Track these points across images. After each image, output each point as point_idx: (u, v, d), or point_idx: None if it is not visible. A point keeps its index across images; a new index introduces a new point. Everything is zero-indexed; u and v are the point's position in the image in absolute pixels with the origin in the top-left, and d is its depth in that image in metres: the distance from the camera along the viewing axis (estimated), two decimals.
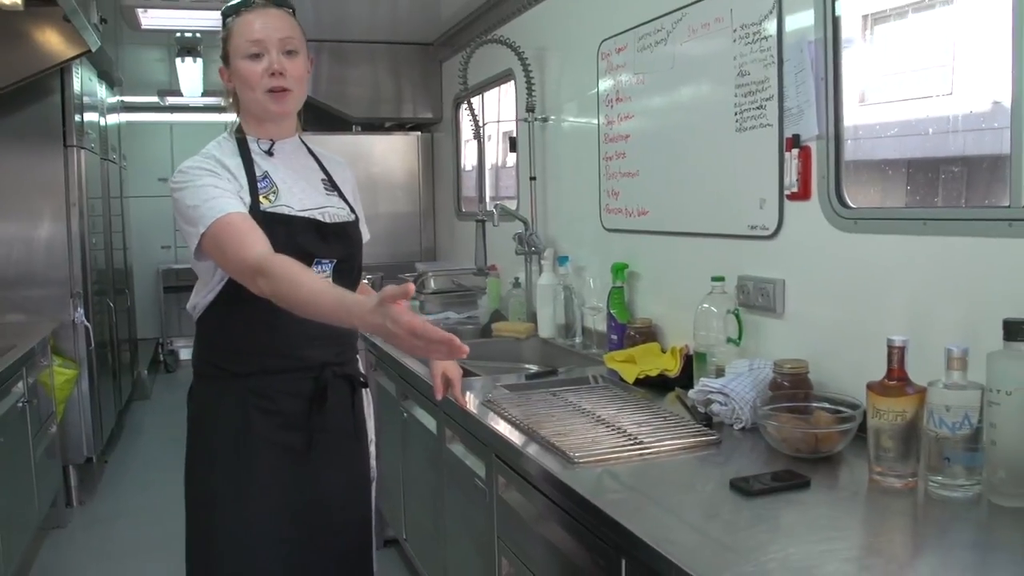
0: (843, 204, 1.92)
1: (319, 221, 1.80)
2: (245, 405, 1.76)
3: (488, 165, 4.62)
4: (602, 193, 2.93)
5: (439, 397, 2.06)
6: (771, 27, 2.07)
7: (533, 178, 3.43)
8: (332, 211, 1.86)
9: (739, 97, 2.19)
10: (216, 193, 1.67)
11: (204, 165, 1.73)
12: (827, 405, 1.78)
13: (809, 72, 1.94)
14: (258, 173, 1.78)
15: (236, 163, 1.77)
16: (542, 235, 3.38)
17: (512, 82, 3.78)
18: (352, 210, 1.92)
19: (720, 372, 2.11)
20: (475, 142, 3.90)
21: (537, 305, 3.20)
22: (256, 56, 1.74)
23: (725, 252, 2.29)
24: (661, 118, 2.56)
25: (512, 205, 3.71)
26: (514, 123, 3.75)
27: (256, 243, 1.61)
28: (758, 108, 2.12)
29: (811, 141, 1.97)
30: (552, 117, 3.35)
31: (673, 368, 2.36)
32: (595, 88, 2.94)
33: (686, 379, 2.28)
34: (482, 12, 3.93)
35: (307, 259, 1.74)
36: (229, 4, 1.80)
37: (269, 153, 1.83)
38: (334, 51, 4.56)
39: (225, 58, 1.80)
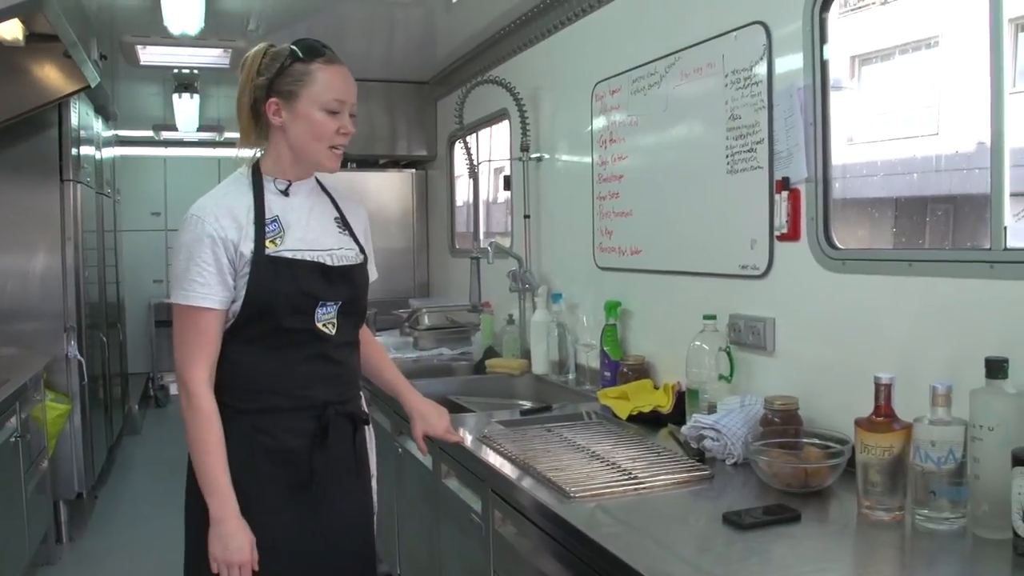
0: (831, 245, 1.98)
1: (324, 265, 1.82)
2: (248, 441, 1.78)
3: (473, 201, 4.69)
4: (596, 232, 2.99)
5: (425, 454, 2.19)
6: (761, 72, 2.14)
7: (527, 216, 3.49)
8: (341, 253, 1.87)
9: (730, 140, 2.25)
10: (205, 279, 1.72)
11: (211, 230, 1.73)
12: (817, 441, 1.82)
13: (799, 117, 2.01)
14: (268, 215, 1.80)
15: (248, 205, 1.79)
16: (536, 272, 3.43)
17: (505, 121, 3.86)
18: (361, 250, 1.94)
19: (712, 408, 2.15)
20: (466, 178, 3.96)
21: (531, 342, 3.24)
22: (335, 113, 1.77)
23: (716, 291, 2.35)
24: (654, 159, 2.63)
25: (502, 240, 3.77)
26: (505, 160, 3.82)
27: (204, 363, 1.73)
28: (749, 151, 2.19)
29: (800, 184, 2.03)
30: (546, 156, 3.42)
31: (666, 404, 2.40)
32: (589, 128, 3.00)
33: (678, 415, 2.32)
34: (478, 53, 4.02)
35: (311, 301, 1.79)
36: (307, 43, 1.78)
37: (285, 193, 1.85)
38: None
39: (288, 96, 1.76)
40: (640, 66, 2.66)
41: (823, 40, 1.98)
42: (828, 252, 1.97)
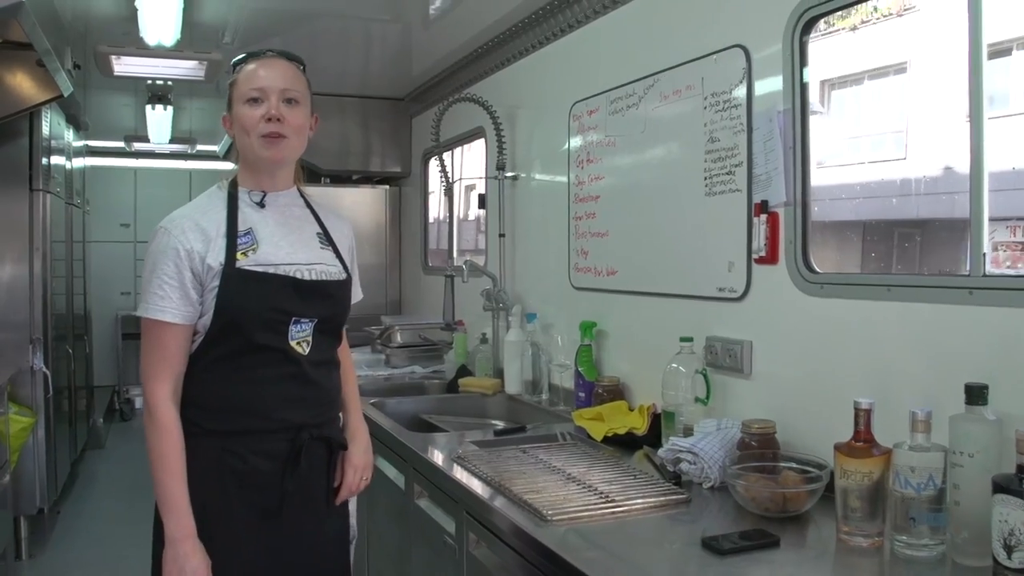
0: (809, 269, 1.98)
1: (296, 279, 1.77)
2: (215, 462, 1.73)
3: (447, 218, 4.67)
4: (571, 252, 2.98)
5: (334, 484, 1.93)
6: (741, 95, 2.14)
7: (502, 235, 3.47)
8: (320, 268, 1.82)
9: (709, 162, 2.25)
10: (166, 292, 1.69)
11: (176, 243, 1.70)
12: (794, 465, 1.81)
13: (778, 141, 2.01)
14: (241, 228, 1.76)
15: (220, 216, 1.76)
16: (510, 291, 3.41)
17: (479, 139, 3.85)
18: (345, 268, 1.89)
19: (688, 431, 2.14)
20: (439, 195, 3.94)
21: (504, 361, 3.21)
22: (255, 101, 1.75)
23: (693, 313, 2.34)
24: (631, 180, 2.63)
25: (473, 258, 3.75)
26: (479, 178, 3.81)
27: (167, 377, 1.69)
28: (727, 173, 2.19)
29: (779, 207, 2.04)
30: (522, 175, 3.41)
31: (641, 426, 2.38)
32: (566, 148, 3.00)
33: (654, 437, 2.30)
34: (455, 70, 4.02)
35: (283, 317, 1.74)
36: (247, 52, 1.82)
37: (260, 205, 1.81)
38: None
39: (229, 105, 1.81)
40: (619, 87, 2.66)
41: (803, 64, 1.98)
42: (806, 276, 1.97)
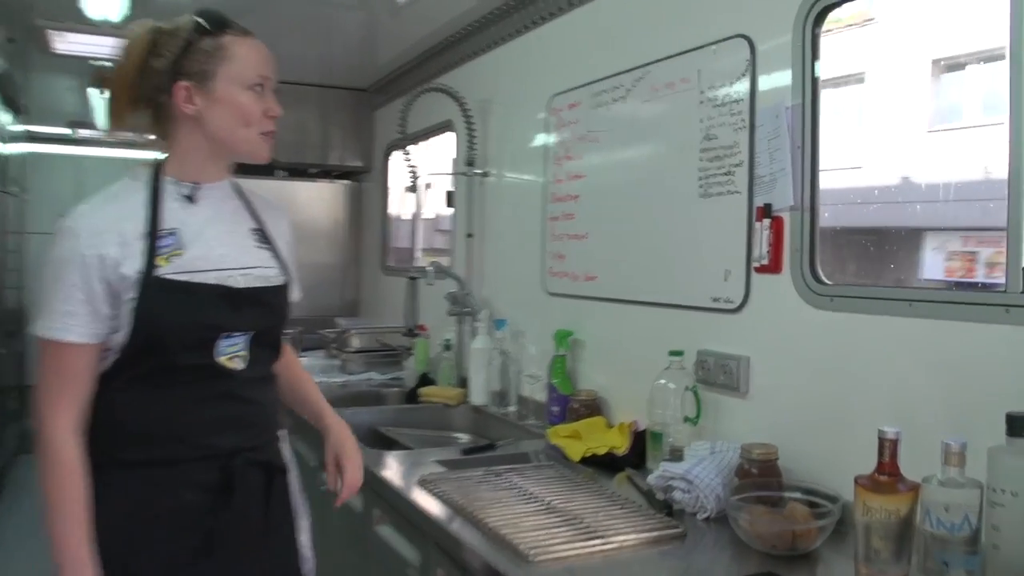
0: (817, 279, 1.80)
1: (229, 288, 1.51)
2: (132, 500, 1.47)
3: (409, 216, 4.46)
4: (546, 255, 2.78)
5: (332, 487, 1.77)
6: (742, 89, 1.97)
7: (470, 235, 3.26)
8: (257, 272, 1.57)
9: (705, 162, 2.07)
10: (72, 307, 1.42)
11: (84, 247, 1.42)
12: (800, 495, 1.64)
13: (786, 139, 1.84)
14: (164, 227, 1.48)
15: (139, 213, 1.48)
16: (477, 295, 3.20)
17: (445, 134, 3.64)
18: (284, 269, 1.65)
19: (677, 453, 1.96)
20: (402, 192, 3.72)
21: (470, 370, 3.00)
22: (259, 90, 1.53)
23: (682, 324, 2.16)
24: (615, 179, 2.43)
25: (435, 258, 3.53)
26: (441, 175, 3.60)
27: (69, 407, 1.43)
28: (726, 174, 2.01)
29: (784, 212, 1.86)
30: (493, 172, 3.20)
31: (621, 446, 2.19)
32: (542, 144, 2.80)
33: (636, 458, 2.12)
34: (423, 60, 3.78)
35: (212, 332, 1.50)
36: (211, 13, 1.52)
37: (190, 199, 1.54)
38: None
39: (201, 76, 1.49)
40: (603, 79, 2.47)
41: (815, 56, 1.81)
42: (814, 287, 1.80)
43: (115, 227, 1.45)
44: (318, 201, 4.65)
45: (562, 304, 2.69)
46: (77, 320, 1.42)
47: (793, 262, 1.84)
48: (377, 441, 2.74)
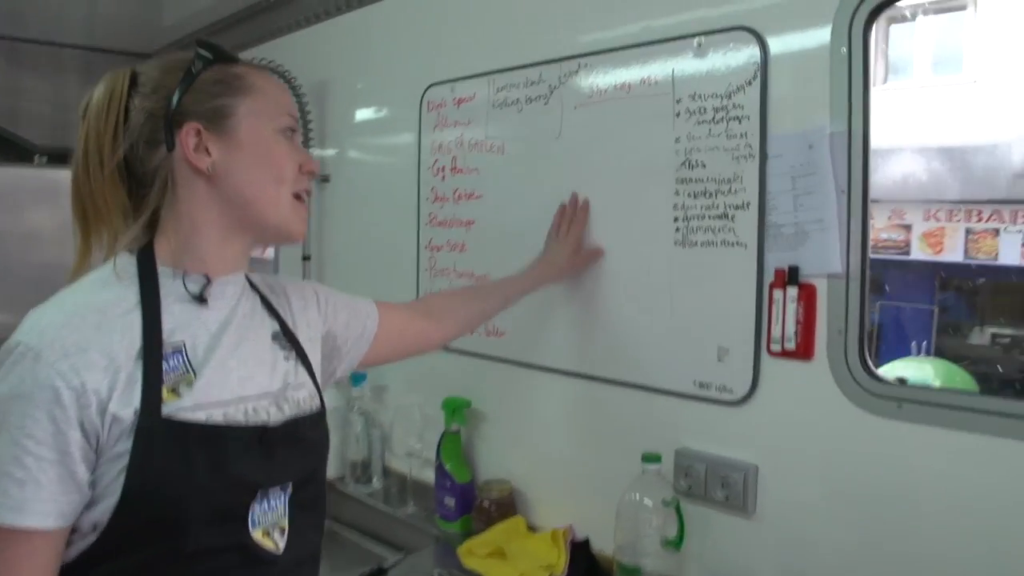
0: (871, 375, 1.31)
1: (265, 427, 1.04)
2: None
3: None
4: (422, 293, 2.15)
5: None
6: (746, 103, 1.43)
7: (307, 257, 2.54)
8: (289, 397, 1.10)
9: (685, 197, 1.53)
10: (29, 472, 0.90)
11: (55, 377, 0.91)
12: None
13: (828, 178, 1.32)
14: (168, 343, 0.99)
15: (131, 327, 0.97)
16: None
17: None
18: (317, 387, 1.17)
19: None
20: None
21: None
22: (289, 134, 1.11)
23: (642, 410, 1.63)
24: (531, 205, 1.83)
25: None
26: None
27: None
28: (719, 217, 1.48)
29: (819, 279, 1.36)
30: (338, 177, 2.50)
31: (558, 567, 1.65)
32: (414, 146, 2.15)
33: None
34: (234, 22, 2.94)
35: (247, 493, 1.00)
36: (219, 46, 1.08)
37: (200, 299, 1.05)
38: (4, 52, 3.34)
39: (217, 115, 1.05)
40: (514, 69, 1.86)
41: (866, 66, 1.30)
42: (867, 385, 1.31)
43: (98, 343, 0.94)
44: None
45: (453, 363, 2.07)
46: (39, 492, 0.90)
47: (833, 348, 1.34)
48: None
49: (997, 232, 6.00)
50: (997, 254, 5.99)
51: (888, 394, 1.29)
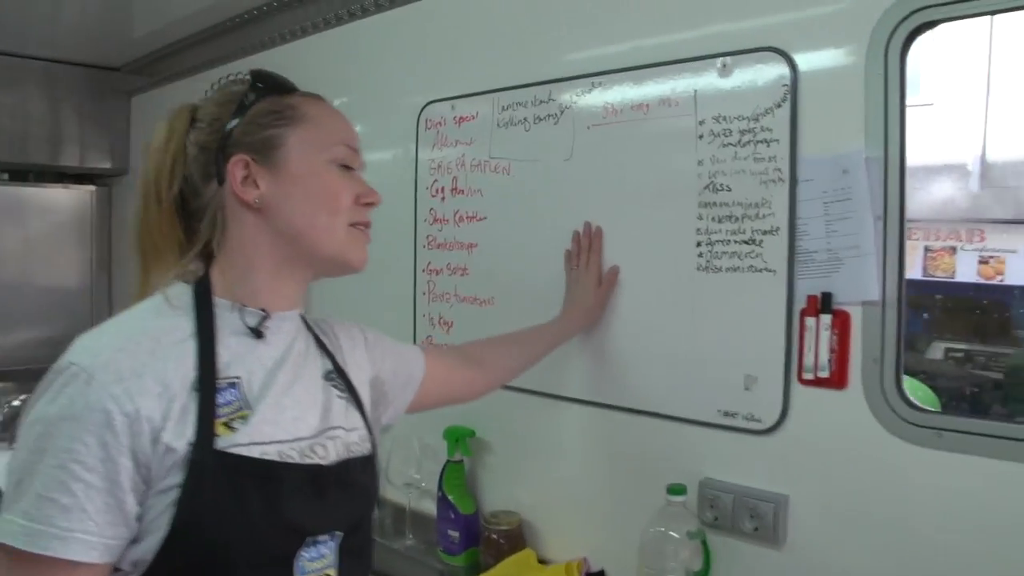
0: (909, 404, 1.29)
1: (320, 467, 1.00)
2: None
3: None
4: (420, 319, 2.09)
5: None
6: (774, 125, 1.40)
7: None
8: (340, 436, 1.06)
9: (708, 221, 1.49)
10: (77, 500, 0.85)
11: (109, 401, 0.87)
12: None
13: (865, 204, 1.30)
14: (223, 376, 0.96)
15: (185, 357, 0.94)
16: None
17: None
18: (369, 429, 1.13)
19: None
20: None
21: None
22: (348, 169, 1.10)
23: (666, 440, 1.58)
24: (540, 227, 1.79)
25: None
26: None
27: None
28: (746, 242, 1.44)
29: (854, 306, 1.33)
30: None
31: None
32: (412, 167, 2.09)
33: None
34: (213, 34, 2.85)
35: (297, 537, 0.96)
36: (274, 75, 1.09)
37: (256, 333, 1.02)
38: None
39: (267, 146, 1.03)
40: (521, 87, 1.82)
41: (903, 89, 1.28)
42: (904, 413, 1.28)
43: (152, 370, 0.91)
44: (52, 212, 3.54)
45: None
46: (84, 522, 0.86)
47: (869, 376, 1.32)
48: None
49: (954, 250, 6.10)
50: (954, 272, 6.09)
51: (928, 423, 1.26)
